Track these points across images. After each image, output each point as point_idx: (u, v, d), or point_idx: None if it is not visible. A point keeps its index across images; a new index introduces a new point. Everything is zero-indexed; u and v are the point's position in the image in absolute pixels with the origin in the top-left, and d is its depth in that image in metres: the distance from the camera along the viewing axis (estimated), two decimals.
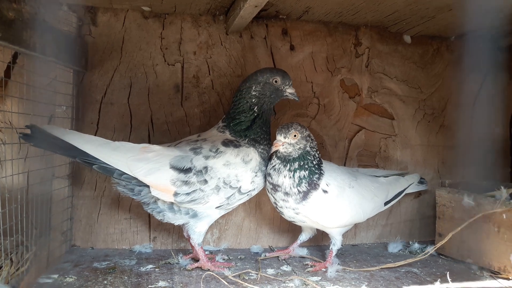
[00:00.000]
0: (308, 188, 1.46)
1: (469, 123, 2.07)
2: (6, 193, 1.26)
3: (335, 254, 1.58)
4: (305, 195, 1.46)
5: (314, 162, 1.49)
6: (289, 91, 1.55)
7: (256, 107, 1.51)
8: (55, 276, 1.38)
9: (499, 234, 1.50)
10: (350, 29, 1.91)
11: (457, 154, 2.05)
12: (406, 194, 1.78)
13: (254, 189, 1.51)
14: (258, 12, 1.51)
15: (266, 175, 1.52)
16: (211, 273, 1.42)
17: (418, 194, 1.98)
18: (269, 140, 1.54)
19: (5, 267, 1.25)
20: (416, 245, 1.82)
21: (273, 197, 1.51)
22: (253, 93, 1.51)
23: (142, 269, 1.49)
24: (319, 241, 1.85)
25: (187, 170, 1.39)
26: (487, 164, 2.04)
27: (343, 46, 1.91)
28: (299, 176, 1.46)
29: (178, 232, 1.75)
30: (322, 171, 1.51)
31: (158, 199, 1.42)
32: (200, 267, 1.49)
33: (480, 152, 2.07)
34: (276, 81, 1.53)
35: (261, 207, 1.83)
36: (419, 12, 1.68)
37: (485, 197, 1.60)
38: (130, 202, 1.70)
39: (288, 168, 1.46)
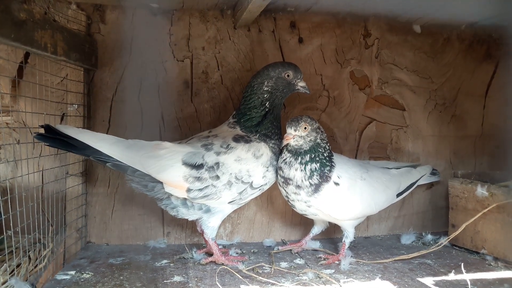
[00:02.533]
0: (320, 180, 1.46)
1: (481, 112, 2.05)
2: (23, 192, 1.28)
3: (348, 247, 1.58)
4: (316, 188, 1.46)
5: (325, 154, 1.49)
6: (301, 84, 1.55)
7: (268, 103, 1.51)
8: (72, 272, 1.40)
9: None
10: (359, 20, 1.90)
11: (469, 144, 2.03)
12: (418, 185, 1.78)
13: (266, 183, 1.52)
14: (265, 5, 1.50)
15: (277, 169, 1.52)
16: (225, 267, 1.44)
17: (430, 185, 1.97)
18: (280, 134, 1.54)
19: (23, 264, 1.28)
20: (429, 237, 1.82)
21: (285, 191, 1.52)
22: (265, 89, 1.51)
23: (157, 264, 1.51)
24: (332, 233, 1.85)
25: (199, 166, 1.40)
26: (500, 154, 2.02)
27: (352, 37, 1.90)
28: (311, 169, 1.46)
29: (191, 226, 1.77)
30: (333, 163, 1.51)
31: (172, 195, 1.43)
32: (214, 261, 1.50)
33: (492, 142, 2.05)
34: (288, 75, 1.52)
35: (272, 201, 1.84)
36: (428, 0, 1.66)
37: (498, 187, 1.58)
38: (144, 198, 1.71)
39: (299, 161, 1.46)
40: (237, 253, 1.63)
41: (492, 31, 2.02)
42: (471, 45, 2.02)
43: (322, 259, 1.58)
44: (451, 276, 1.40)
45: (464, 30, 2.00)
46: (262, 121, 1.52)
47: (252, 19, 1.71)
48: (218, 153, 1.43)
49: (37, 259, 1.35)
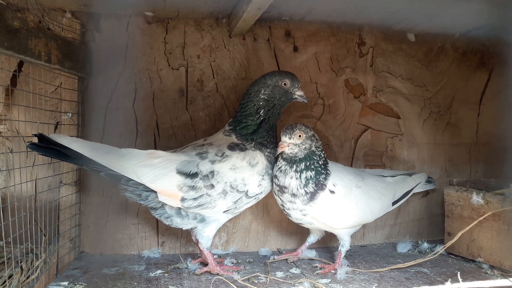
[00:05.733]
0: (315, 188, 1.46)
1: (476, 120, 2.06)
2: (15, 201, 1.27)
3: (344, 256, 1.57)
4: (312, 196, 1.46)
5: (320, 162, 1.49)
6: (298, 93, 1.55)
7: (262, 111, 1.51)
8: (65, 283, 1.38)
9: (509, 232, 1.49)
10: (354, 29, 1.91)
11: (464, 152, 2.04)
12: (414, 193, 1.78)
13: (261, 192, 1.51)
14: (260, 14, 1.51)
15: (272, 178, 1.51)
16: (220, 277, 1.42)
17: (426, 193, 1.97)
18: (276, 143, 1.53)
19: (15, 275, 1.26)
20: (425, 245, 1.81)
21: (280, 199, 1.51)
22: (261, 97, 1.51)
23: (151, 274, 1.49)
24: (328, 242, 1.84)
25: (193, 175, 1.39)
26: (495, 161, 2.03)
27: (347, 46, 1.90)
28: (306, 177, 1.46)
29: (186, 236, 1.75)
30: (328, 171, 1.50)
31: (166, 204, 1.42)
32: (209, 271, 1.49)
33: (487, 150, 2.06)
34: (285, 84, 1.52)
35: (268, 209, 1.83)
36: (423, 9, 1.67)
37: (494, 195, 1.59)
38: (138, 208, 1.71)
39: (294, 169, 1.46)
40: (232, 263, 1.62)
41: (485, 40, 2.04)
42: (465, 53, 2.04)
43: (318, 268, 1.57)
44: (448, 285, 1.39)
45: (458, 39, 2.02)
46: (257, 129, 1.51)
47: (247, 28, 1.71)
48: (213, 162, 1.42)
49: (29, 269, 1.33)
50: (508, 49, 2.03)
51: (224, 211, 1.46)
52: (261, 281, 1.44)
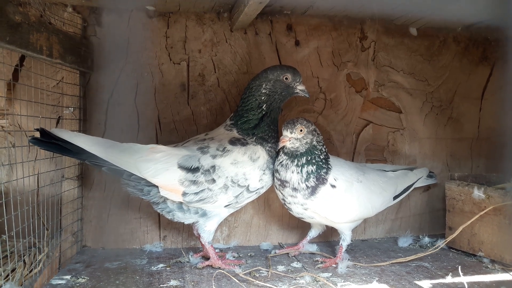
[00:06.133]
0: (316, 183, 1.46)
1: (478, 115, 2.05)
2: (18, 195, 1.27)
3: (345, 250, 1.58)
4: (313, 190, 1.46)
5: (322, 157, 1.49)
6: (300, 88, 1.54)
7: (264, 105, 1.51)
8: (68, 277, 1.39)
9: (510, 227, 1.49)
10: (356, 23, 1.90)
11: (466, 146, 2.04)
12: (415, 188, 1.78)
13: (263, 187, 1.51)
14: (262, 8, 1.50)
15: (274, 172, 1.52)
16: (222, 271, 1.43)
17: (427, 187, 1.97)
18: (277, 138, 1.53)
19: (18, 269, 1.27)
20: (426, 239, 1.82)
21: (282, 194, 1.51)
22: (263, 91, 1.51)
23: (153, 268, 1.50)
24: (329, 237, 1.85)
25: (195, 170, 1.39)
26: (497, 156, 2.02)
27: (349, 40, 1.90)
28: (307, 171, 1.46)
29: (188, 230, 1.76)
30: (329, 166, 1.50)
31: (167, 199, 1.42)
32: (211, 265, 1.50)
33: (489, 145, 2.05)
34: (286, 78, 1.52)
35: (269, 204, 1.83)
36: (425, 3, 1.66)
37: (495, 189, 1.59)
38: (140, 202, 1.71)
39: (295, 163, 1.46)
40: (234, 257, 1.62)
41: (488, 33, 2.03)
42: (467, 47, 2.03)
43: (319, 262, 1.57)
44: (448, 279, 1.40)
45: (460, 33, 2.01)
46: (259, 124, 1.51)
47: (248, 22, 1.71)
48: (214, 156, 1.43)
49: (32, 263, 1.34)
50: (510, 44, 2.02)
51: (226, 206, 1.46)
52: (262, 275, 1.45)
